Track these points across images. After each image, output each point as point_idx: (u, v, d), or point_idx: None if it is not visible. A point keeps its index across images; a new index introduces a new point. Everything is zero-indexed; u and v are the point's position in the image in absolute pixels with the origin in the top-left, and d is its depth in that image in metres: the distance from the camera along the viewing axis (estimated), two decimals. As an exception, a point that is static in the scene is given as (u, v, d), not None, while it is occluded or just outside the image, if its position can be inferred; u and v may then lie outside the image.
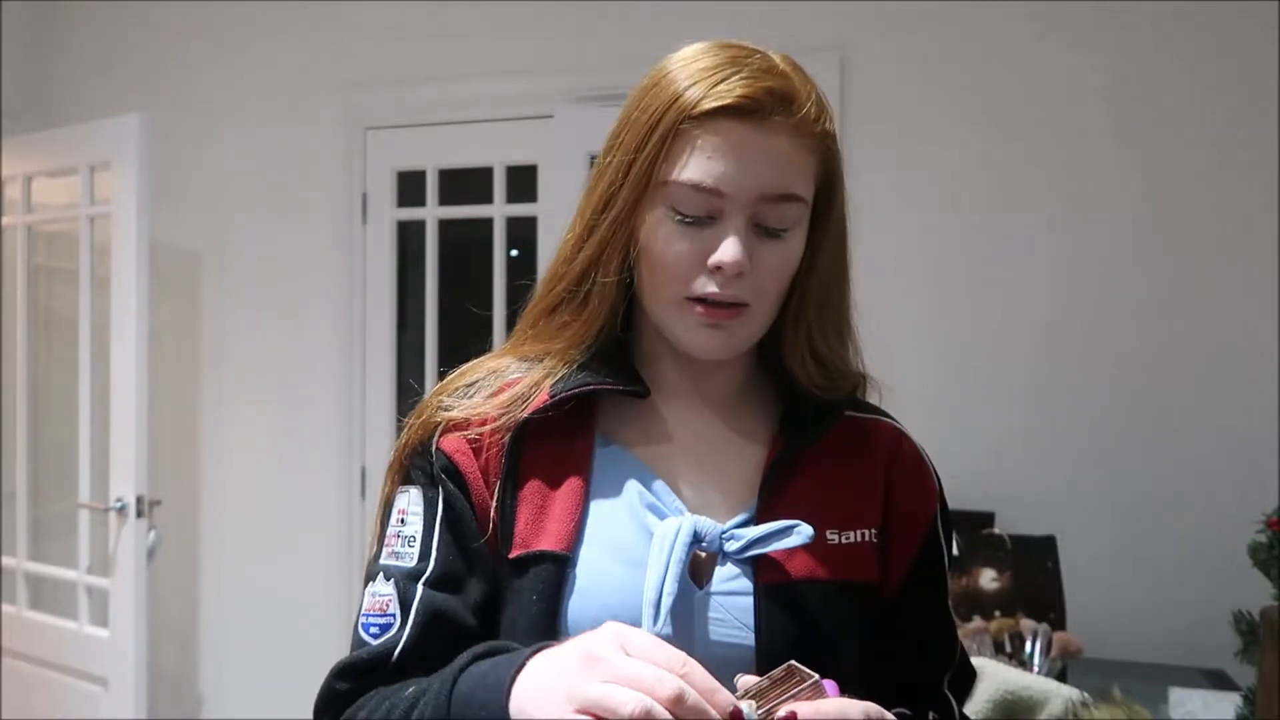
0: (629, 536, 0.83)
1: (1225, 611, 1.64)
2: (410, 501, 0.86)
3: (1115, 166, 2.36)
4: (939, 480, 0.93)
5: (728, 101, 0.79)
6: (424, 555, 0.84)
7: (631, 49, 2.22)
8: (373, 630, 0.82)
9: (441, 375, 0.94)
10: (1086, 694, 1.59)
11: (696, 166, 0.80)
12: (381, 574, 0.84)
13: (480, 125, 2.90)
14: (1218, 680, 1.98)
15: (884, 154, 2.47)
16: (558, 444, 0.86)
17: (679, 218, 0.81)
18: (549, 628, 0.79)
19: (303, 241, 3.04)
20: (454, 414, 0.87)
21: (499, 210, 2.89)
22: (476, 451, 0.85)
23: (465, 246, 3.00)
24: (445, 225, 2.99)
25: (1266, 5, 2.25)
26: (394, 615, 0.82)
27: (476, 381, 0.89)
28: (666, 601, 0.77)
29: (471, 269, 2.93)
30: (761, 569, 0.82)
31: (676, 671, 0.62)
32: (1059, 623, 2.09)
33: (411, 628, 0.81)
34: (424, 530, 0.85)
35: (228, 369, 3.14)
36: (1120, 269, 2.35)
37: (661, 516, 0.83)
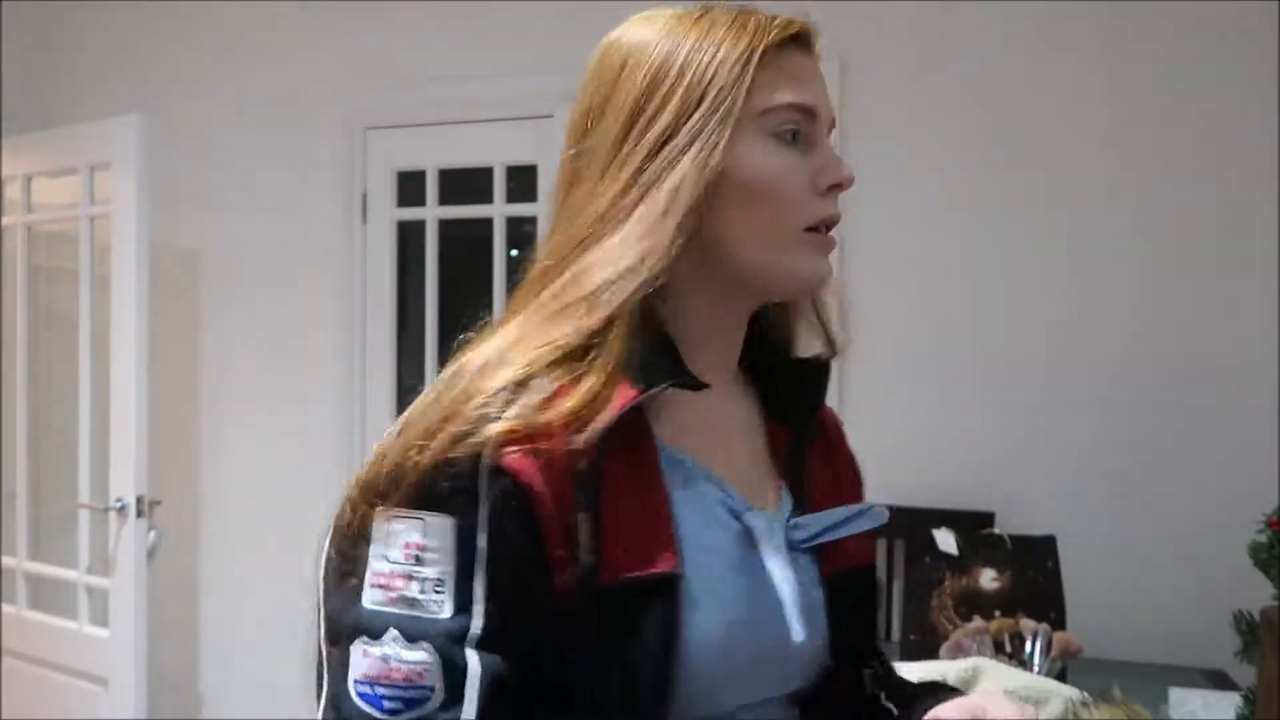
0: (721, 541, 0.77)
1: (1225, 611, 1.64)
2: (428, 533, 0.67)
3: (1115, 164, 2.36)
4: None
5: (795, 30, 0.79)
6: (462, 606, 0.66)
7: (631, 49, 2.22)
8: (389, 705, 0.65)
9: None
10: (1086, 694, 1.58)
11: (792, 90, 0.77)
12: (395, 629, 0.66)
13: (480, 125, 2.90)
14: (1218, 680, 1.98)
15: (883, 154, 2.46)
16: (627, 451, 0.73)
17: (789, 141, 0.77)
18: (666, 654, 0.70)
19: (303, 241, 3.04)
20: (509, 426, 0.68)
21: (499, 210, 2.89)
22: (546, 469, 0.69)
23: (465, 246, 3.00)
24: (445, 225, 2.98)
25: (1267, 5, 2.25)
26: (431, 688, 0.65)
27: (521, 384, 0.71)
28: (809, 603, 0.77)
29: (471, 269, 2.93)
30: (824, 556, 0.82)
31: None
32: (1059, 623, 2.08)
33: (476, 705, 0.65)
34: (458, 571, 0.67)
35: (227, 369, 3.14)
36: (1120, 269, 2.35)
37: (735, 513, 0.78)
